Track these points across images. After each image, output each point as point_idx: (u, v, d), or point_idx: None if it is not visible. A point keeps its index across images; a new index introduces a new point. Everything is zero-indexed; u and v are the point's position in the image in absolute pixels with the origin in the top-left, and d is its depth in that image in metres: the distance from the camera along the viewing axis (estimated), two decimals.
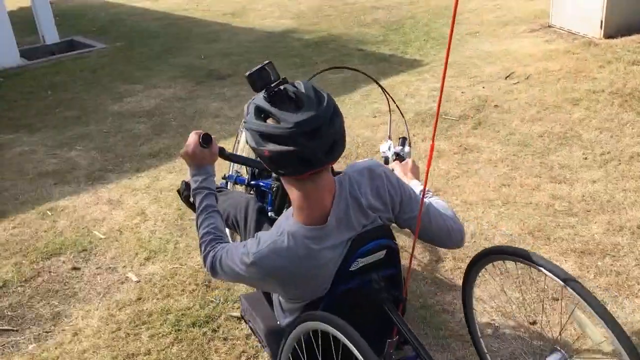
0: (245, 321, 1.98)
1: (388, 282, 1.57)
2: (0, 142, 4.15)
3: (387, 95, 2.09)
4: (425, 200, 1.60)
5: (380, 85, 2.12)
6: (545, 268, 1.50)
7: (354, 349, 1.29)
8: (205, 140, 1.66)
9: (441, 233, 1.60)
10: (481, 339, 1.87)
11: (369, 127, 3.94)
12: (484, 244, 2.61)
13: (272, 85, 1.42)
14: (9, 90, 5.32)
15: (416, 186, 1.76)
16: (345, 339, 1.31)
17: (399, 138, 2.02)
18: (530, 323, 2.18)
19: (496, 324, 2.18)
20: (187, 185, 2.04)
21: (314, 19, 6.97)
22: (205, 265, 1.59)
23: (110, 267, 2.67)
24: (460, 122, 3.85)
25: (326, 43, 5.97)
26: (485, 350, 1.86)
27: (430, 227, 1.58)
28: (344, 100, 4.44)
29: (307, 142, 1.35)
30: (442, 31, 5.90)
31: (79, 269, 2.68)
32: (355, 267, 1.50)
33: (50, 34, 6.68)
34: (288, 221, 1.47)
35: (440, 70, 4.84)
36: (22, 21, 7.40)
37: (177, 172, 3.52)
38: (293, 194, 1.45)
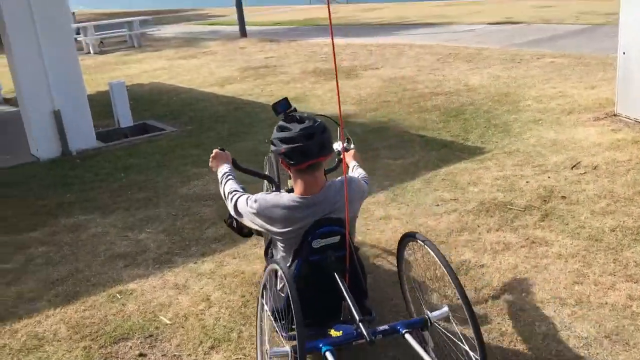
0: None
1: (339, 260, 2.33)
2: (77, 223, 4.36)
3: (333, 120, 2.72)
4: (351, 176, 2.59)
5: (326, 116, 2.74)
6: (429, 247, 2.37)
7: (288, 285, 2.05)
8: (222, 148, 2.78)
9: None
10: (407, 292, 2.77)
11: (430, 216, 3.92)
12: (557, 347, 2.50)
13: (287, 111, 2.46)
14: (85, 171, 5.63)
15: (355, 166, 2.81)
16: (285, 278, 2.09)
17: (346, 138, 2.86)
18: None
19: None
20: (230, 215, 2.60)
21: (374, 104, 7.15)
22: (231, 209, 2.48)
23: (175, 355, 2.70)
24: (526, 213, 3.79)
25: (387, 129, 6.08)
26: (409, 299, 2.77)
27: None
28: (405, 187, 4.46)
29: (306, 141, 2.25)
30: (504, 119, 5.92)
31: (145, 355, 2.72)
32: (317, 246, 2.30)
33: (124, 118, 7.10)
34: (286, 193, 2.42)
35: (503, 158, 4.83)
36: (100, 104, 7.89)
37: (241, 257, 3.58)
38: (296, 180, 2.35)
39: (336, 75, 2.30)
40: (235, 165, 2.72)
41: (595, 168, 4.35)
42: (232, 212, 2.49)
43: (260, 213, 2.32)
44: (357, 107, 7.10)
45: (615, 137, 4.94)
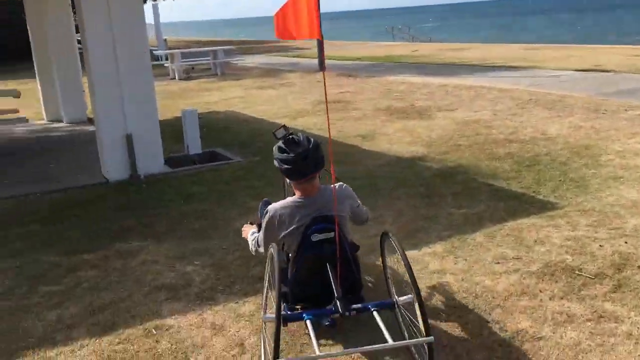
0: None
1: (334, 252, 2.84)
2: (131, 249, 4.39)
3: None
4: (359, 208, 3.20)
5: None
6: (395, 244, 2.80)
7: (275, 266, 2.57)
8: (251, 222, 3.51)
9: (358, 216, 3.16)
10: (389, 279, 3.22)
11: (489, 274, 3.65)
12: None
13: (286, 135, 2.96)
14: (148, 196, 5.73)
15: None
16: (276, 260, 2.60)
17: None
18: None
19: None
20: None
21: (444, 147, 6.92)
22: (259, 244, 3.10)
23: None
24: (597, 282, 3.45)
25: (455, 175, 5.83)
26: (391, 283, 3.20)
27: (359, 213, 3.14)
28: (465, 240, 4.20)
29: (302, 162, 2.83)
30: (582, 173, 5.54)
31: None
32: (315, 239, 2.84)
33: (194, 145, 7.23)
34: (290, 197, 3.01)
35: (576, 216, 4.48)
36: (175, 130, 8.07)
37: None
38: (296, 188, 2.97)
39: (326, 105, 2.49)
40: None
41: None
42: (259, 247, 3.09)
43: (274, 216, 2.91)
44: (427, 149, 6.89)
45: None
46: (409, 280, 2.61)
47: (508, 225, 4.45)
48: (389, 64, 17.28)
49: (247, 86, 14.27)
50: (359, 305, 2.78)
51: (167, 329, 3.20)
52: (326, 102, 2.98)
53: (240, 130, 8.79)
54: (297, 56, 21.78)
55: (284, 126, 3.04)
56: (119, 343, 3.07)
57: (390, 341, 2.59)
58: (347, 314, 2.71)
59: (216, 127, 9.25)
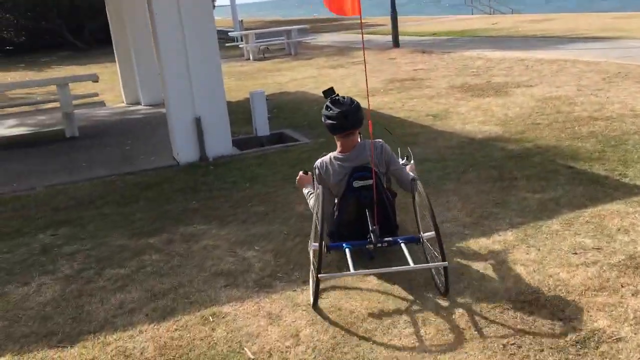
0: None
1: (372, 198, 3.38)
2: (194, 232, 4.42)
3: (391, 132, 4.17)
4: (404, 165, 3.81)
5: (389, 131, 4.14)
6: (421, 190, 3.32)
7: (320, 201, 3.13)
8: (305, 171, 3.99)
9: (402, 180, 3.60)
10: (418, 219, 3.52)
11: (565, 266, 3.38)
12: None
13: (332, 96, 3.49)
14: (215, 178, 5.77)
15: (409, 169, 3.76)
16: (321, 198, 3.15)
17: (406, 156, 4.00)
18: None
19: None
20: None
21: (520, 127, 6.53)
22: (313, 202, 3.58)
23: None
24: None
25: (531, 156, 5.48)
26: (420, 223, 3.53)
27: (400, 175, 3.59)
28: (539, 227, 3.92)
29: (343, 119, 3.37)
30: None
31: None
32: (357, 185, 3.38)
33: (261, 127, 7.22)
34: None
35: None
36: (246, 111, 8.07)
37: (342, 289, 3.35)
38: (337, 141, 3.51)
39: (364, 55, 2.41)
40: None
41: None
42: (315, 203, 3.32)
43: (320, 170, 3.54)
44: (501, 129, 6.54)
45: None
46: (431, 220, 3.10)
47: (588, 211, 4.12)
48: (466, 39, 16.63)
49: (319, 65, 14.16)
50: (390, 238, 3.37)
51: (223, 317, 3.18)
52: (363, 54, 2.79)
53: (310, 110, 8.70)
54: (372, 33, 21.40)
55: (332, 88, 3.63)
56: (176, 330, 3.08)
57: (411, 264, 3.18)
58: (379, 245, 3.28)
59: (287, 107, 9.22)
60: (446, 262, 3.02)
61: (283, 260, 3.83)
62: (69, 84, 8.36)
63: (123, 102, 11.16)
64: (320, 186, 3.26)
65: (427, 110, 7.89)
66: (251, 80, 12.94)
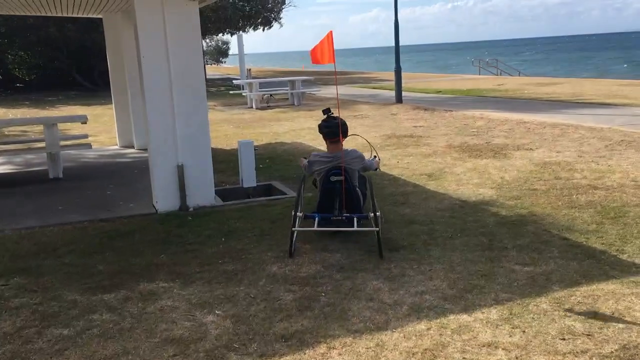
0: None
1: (341, 189, 4.95)
2: (154, 291, 4.09)
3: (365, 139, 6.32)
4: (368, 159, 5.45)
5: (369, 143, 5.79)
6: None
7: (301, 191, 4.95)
8: (305, 157, 5.62)
9: (367, 169, 5.33)
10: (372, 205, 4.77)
11: (550, 354, 3.02)
12: None
13: (329, 113, 5.19)
14: (190, 231, 5.47)
15: (375, 163, 5.44)
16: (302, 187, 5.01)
17: (373, 155, 5.62)
18: None
19: None
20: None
21: (516, 191, 6.24)
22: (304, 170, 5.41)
23: None
24: None
25: (525, 224, 5.17)
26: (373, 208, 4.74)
27: (366, 166, 5.29)
28: (526, 305, 3.58)
29: (333, 129, 5.05)
30: None
31: None
32: (333, 179, 4.96)
33: (248, 178, 6.93)
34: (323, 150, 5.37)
35: None
36: (237, 159, 7.80)
37: None
38: (326, 144, 5.23)
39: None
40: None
41: None
42: (305, 170, 5.37)
43: (311, 160, 5.22)
44: (496, 193, 6.24)
45: None
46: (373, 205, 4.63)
47: (581, 290, 3.78)
48: (470, 98, 16.57)
49: (319, 117, 14.02)
50: (347, 214, 4.90)
51: None
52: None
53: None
54: (377, 87, 21.45)
55: (328, 109, 5.19)
56: None
57: (355, 228, 4.76)
58: (340, 217, 4.86)
59: (280, 158, 9.00)
60: (378, 228, 4.47)
61: (243, 328, 3.48)
62: (59, 124, 8.19)
63: (117, 144, 10.99)
64: (304, 172, 5.32)
65: (421, 168, 7.63)
66: (250, 128, 12.80)
